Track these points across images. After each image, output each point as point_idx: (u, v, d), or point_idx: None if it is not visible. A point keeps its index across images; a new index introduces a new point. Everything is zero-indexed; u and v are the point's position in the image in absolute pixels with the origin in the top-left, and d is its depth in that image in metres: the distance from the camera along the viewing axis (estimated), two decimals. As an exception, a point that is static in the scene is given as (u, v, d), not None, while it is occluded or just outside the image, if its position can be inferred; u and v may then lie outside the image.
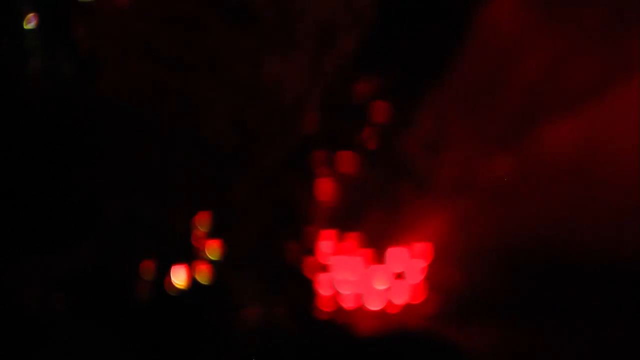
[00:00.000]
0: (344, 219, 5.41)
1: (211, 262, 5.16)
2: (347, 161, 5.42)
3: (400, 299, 5.12)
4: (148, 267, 5.32)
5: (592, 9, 5.84)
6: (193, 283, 5.13)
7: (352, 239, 5.36)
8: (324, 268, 5.27)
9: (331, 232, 5.36)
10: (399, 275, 5.32)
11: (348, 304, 5.11)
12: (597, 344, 4.64)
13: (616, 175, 5.33)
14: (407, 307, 5.05)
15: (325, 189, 5.33)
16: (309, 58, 5.48)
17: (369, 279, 5.27)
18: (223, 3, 6.13)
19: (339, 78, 5.69)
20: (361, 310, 5.01)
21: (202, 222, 5.20)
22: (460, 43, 6.07)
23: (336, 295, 5.18)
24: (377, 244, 5.41)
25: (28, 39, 5.88)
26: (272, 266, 5.25)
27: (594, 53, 5.77)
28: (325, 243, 5.29)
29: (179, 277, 5.11)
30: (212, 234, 5.19)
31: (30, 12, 5.73)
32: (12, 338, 4.41)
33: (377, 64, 5.90)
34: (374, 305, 5.06)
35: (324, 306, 5.06)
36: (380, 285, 5.23)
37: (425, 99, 5.81)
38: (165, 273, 5.20)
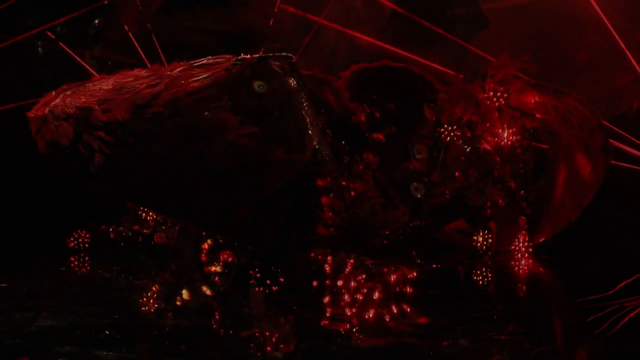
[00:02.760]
0: (346, 235, 5.50)
1: (217, 276, 5.27)
2: (348, 182, 5.54)
3: (397, 310, 5.15)
4: (156, 281, 5.45)
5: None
6: (200, 296, 5.23)
7: (354, 254, 5.44)
8: (327, 281, 5.33)
9: (333, 248, 5.45)
10: (397, 286, 5.39)
11: (348, 312, 5.15)
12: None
13: None
14: (404, 318, 5.09)
15: (327, 207, 5.42)
16: (312, 85, 5.67)
17: (367, 291, 5.33)
18: (227, 32, 6.35)
19: (340, 105, 5.89)
20: (359, 320, 5.06)
21: (209, 239, 5.33)
22: (455, 70, 6.28)
23: (336, 305, 5.23)
24: (376, 258, 5.50)
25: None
26: (276, 280, 5.33)
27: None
28: (328, 258, 5.36)
29: (186, 290, 5.21)
30: (219, 250, 5.30)
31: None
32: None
33: (376, 92, 6.12)
34: (373, 316, 5.08)
35: (326, 315, 5.11)
36: (378, 297, 5.28)
37: (421, 126, 6.01)
38: (173, 286, 5.31)
